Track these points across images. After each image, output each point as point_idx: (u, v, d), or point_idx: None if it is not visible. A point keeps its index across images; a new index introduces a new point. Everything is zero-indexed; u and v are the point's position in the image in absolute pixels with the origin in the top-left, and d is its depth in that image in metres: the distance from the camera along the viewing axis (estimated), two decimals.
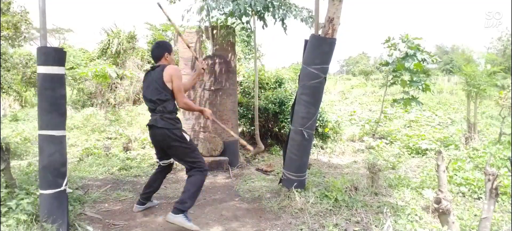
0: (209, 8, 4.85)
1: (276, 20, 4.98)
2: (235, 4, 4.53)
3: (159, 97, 3.12)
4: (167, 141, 3.13)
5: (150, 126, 3.19)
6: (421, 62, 6.63)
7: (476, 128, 6.50)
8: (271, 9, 4.81)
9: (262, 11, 4.99)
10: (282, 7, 4.83)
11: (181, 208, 3.06)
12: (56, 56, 2.80)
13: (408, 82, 6.76)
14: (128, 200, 4.04)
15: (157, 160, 3.55)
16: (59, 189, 2.85)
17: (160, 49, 3.29)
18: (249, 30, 5.57)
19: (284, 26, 5.14)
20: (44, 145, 2.80)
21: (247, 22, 5.34)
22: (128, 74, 11.07)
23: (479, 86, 6.45)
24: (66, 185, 2.91)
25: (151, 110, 3.21)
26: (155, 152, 3.58)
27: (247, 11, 4.64)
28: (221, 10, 5.05)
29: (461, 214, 3.48)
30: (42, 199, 2.85)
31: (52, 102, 2.80)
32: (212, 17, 5.24)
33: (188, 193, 3.10)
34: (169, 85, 3.11)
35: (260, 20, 5.20)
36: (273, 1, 4.80)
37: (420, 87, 6.65)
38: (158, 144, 3.29)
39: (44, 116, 2.78)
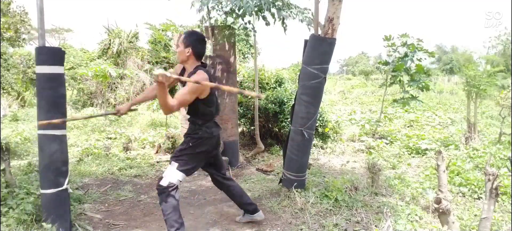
0: (208, 7, 4.84)
1: (275, 20, 4.98)
2: (238, 3, 4.51)
3: None
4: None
5: (216, 135, 2.92)
6: (420, 62, 6.62)
7: (476, 128, 6.49)
8: (273, 10, 4.80)
9: (264, 10, 4.98)
10: (284, 8, 4.82)
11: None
12: (55, 56, 2.80)
13: (407, 82, 6.76)
14: (128, 200, 4.04)
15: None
16: (60, 188, 2.85)
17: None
18: (250, 29, 5.55)
19: (285, 26, 5.14)
20: (44, 144, 2.80)
21: (249, 21, 5.33)
22: (128, 73, 11.07)
23: (479, 86, 6.45)
24: (67, 184, 2.91)
25: (213, 115, 2.92)
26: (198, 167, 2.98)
27: (249, 10, 4.63)
28: (220, 10, 5.04)
29: (461, 214, 3.48)
30: (43, 198, 2.85)
31: (52, 102, 2.79)
32: (211, 17, 5.23)
33: None
34: None
35: (263, 20, 5.20)
36: (276, 2, 4.79)
37: (420, 86, 6.64)
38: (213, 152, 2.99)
39: (43, 116, 2.77)
